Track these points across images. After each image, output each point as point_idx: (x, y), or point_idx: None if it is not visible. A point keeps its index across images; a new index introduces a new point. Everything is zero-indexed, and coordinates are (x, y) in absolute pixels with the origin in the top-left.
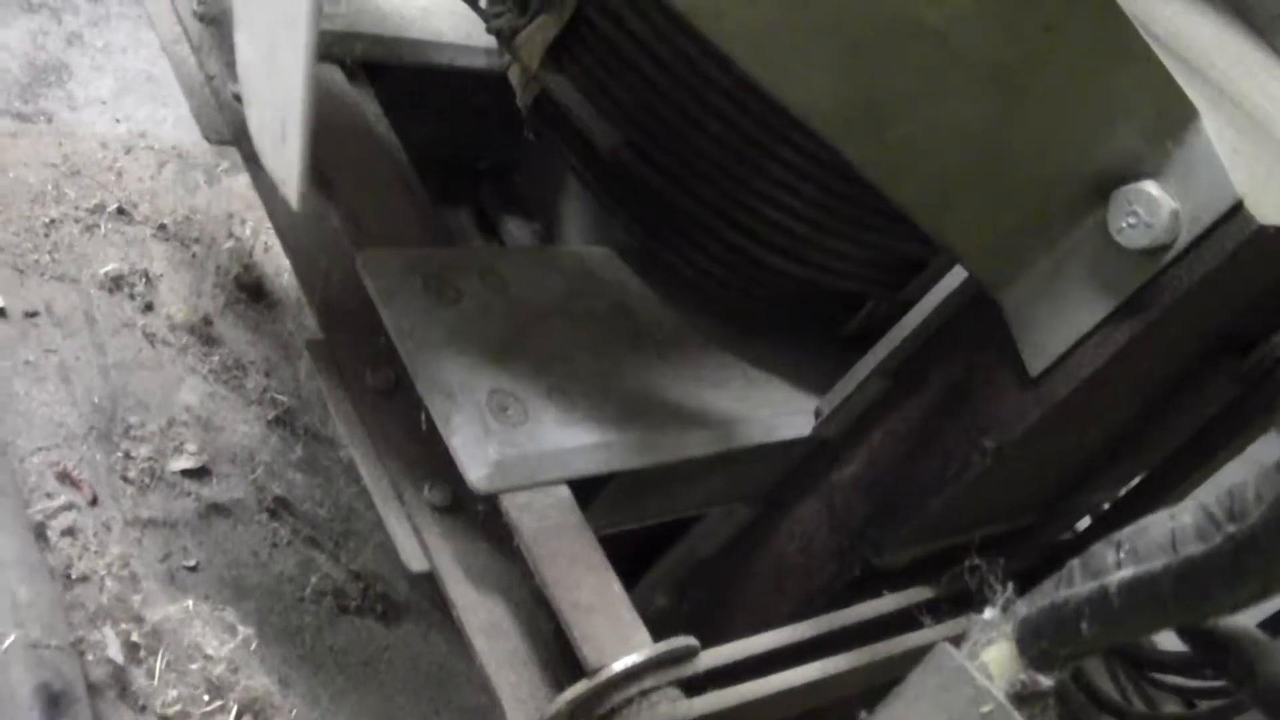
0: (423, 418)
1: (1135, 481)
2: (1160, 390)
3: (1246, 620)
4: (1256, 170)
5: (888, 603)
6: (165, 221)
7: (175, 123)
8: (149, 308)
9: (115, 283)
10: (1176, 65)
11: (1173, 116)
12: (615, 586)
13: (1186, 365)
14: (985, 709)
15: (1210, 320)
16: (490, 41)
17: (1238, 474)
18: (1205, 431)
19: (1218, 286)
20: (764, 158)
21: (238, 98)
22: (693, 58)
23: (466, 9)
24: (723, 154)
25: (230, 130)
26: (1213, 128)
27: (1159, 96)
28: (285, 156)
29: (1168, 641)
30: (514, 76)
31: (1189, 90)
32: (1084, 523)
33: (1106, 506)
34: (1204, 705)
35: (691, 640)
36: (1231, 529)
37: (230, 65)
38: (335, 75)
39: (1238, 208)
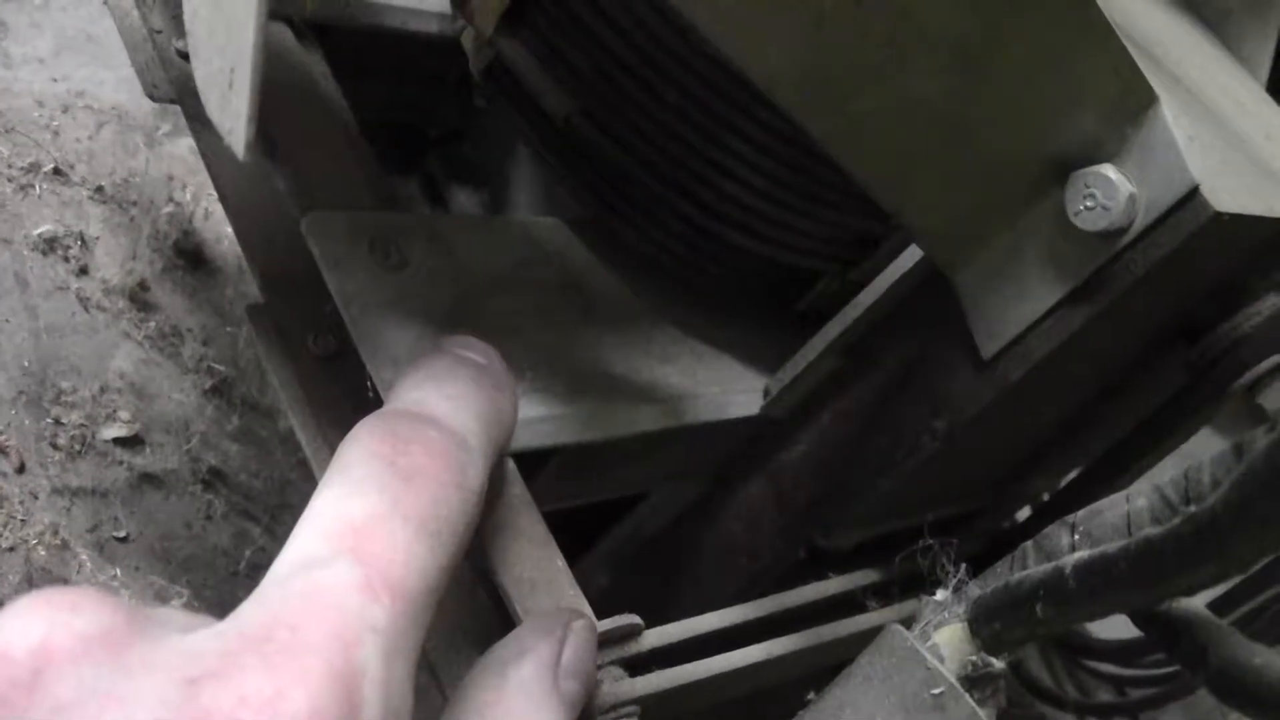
0: (368, 385)
1: (1081, 468)
2: (1113, 376)
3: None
4: (1212, 158)
5: (837, 584)
6: (103, 183)
7: (115, 84)
8: (84, 271)
9: (49, 244)
10: (1135, 51)
11: (1132, 101)
12: (559, 562)
13: (1139, 351)
14: (936, 690)
15: (1163, 306)
16: (444, 5)
17: (1173, 469)
18: (1154, 418)
19: (1172, 272)
20: (723, 130)
21: (182, 54)
22: (652, 25)
23: None
24: (680, 125)
25: (174, 88)
26: (1171, 114)
27: (1120, 80)
28: (232, 106)
29: (1102, 629)
30: (467, 41)
31: (1148, 76)
32: (1024, 512)
33: (1047, 496)
34: (1136, 693)
35: (635, 619)
36: (1190, 511)
37: (176, 19)
38: (284, 34)
39: (1194, 193)
